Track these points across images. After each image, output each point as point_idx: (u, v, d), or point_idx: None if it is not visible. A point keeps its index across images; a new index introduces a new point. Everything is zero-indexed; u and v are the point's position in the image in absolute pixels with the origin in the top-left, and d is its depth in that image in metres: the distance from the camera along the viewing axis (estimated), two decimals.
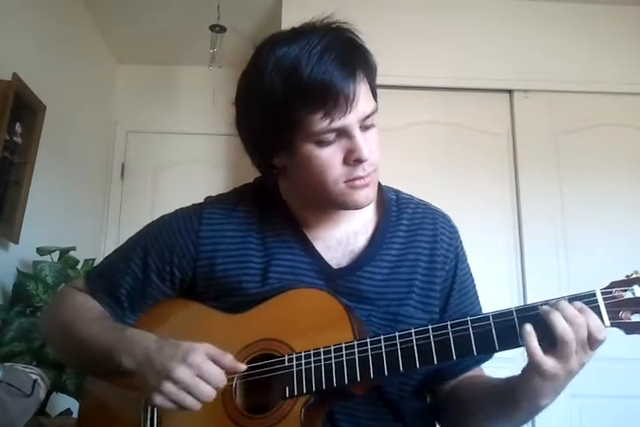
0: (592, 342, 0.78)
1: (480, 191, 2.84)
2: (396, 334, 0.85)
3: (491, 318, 0.82)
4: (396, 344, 0.84)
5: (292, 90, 0.87)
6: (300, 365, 0.88)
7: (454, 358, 0.82)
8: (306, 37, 0.88)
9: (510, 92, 2.97)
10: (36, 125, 2.46)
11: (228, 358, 0.88)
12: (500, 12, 3.04)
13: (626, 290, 0.77)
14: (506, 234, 2.82)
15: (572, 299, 0.79)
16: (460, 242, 1.08)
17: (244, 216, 1.03)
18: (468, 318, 0.82)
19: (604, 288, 0.79)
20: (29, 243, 2.41)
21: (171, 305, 1.04)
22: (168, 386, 0.83)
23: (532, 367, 0.80)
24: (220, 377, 0.86)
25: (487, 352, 0.84)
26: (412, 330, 0.85)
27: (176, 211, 1.06)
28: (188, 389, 0.84)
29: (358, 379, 0.85)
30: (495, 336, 0.81)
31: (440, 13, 3.01)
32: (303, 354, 0.89)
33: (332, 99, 0.86)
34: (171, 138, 3.64)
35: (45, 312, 1.16)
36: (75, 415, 2.15)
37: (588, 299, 0.78)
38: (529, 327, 0.79)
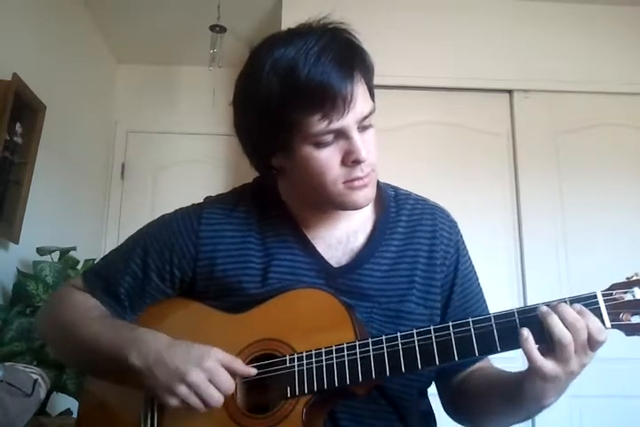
0: (592, 344, 0.78)
1: (480, 191, 2.84)
2: (398, 334, 0.85)
3: (492, 319, 0.82)
4: (397, 345, 0.84)
5: (289, 91, 0.87)
6: (302, 365, 0.88)
7: (456, 358, 0.82)
8: (303, 38, 0.88)
9: (510, 92, 2.97)
10: (36, 125, 2.46)
11: (238, 364, 0.89)
12: (500, 12, 3.04)
13: (626, 292, 0.78)
14: (506, 234, 2.82)
15: (572, 301, 0.79)
16: (461, 236, 1.08)
17: (244, 216, 1.03)
18: (470, 319, 0.82)
19: (605, 290, 0.79)
20: (29, 243, 2.41)
21: (171, 304, 1.04)
22: (181, 388, 0.85)
23: (533, 371, 0.80)
24: (230, 384, 0.87)
25: (489, 353, 0.84)
26: (414, 331, 0.85)
27: (176, 211, 1.07)
28: (199, 392, 0.85)
29: (360, 379, 0.85)
30: (497, 337, 0.81)
31: (439, 13, 3.01)
32: (305, 354, 0.89)
33: (329, 100, 0.86)
34: (171, 138, 3.64)
35: (42, 311, 1.15)
36: (75, 415, 2.15)
37: (589, 301, 0.79)
38: (526, 332, 0.79)
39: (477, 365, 1.02)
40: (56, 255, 2.43)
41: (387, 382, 0.94)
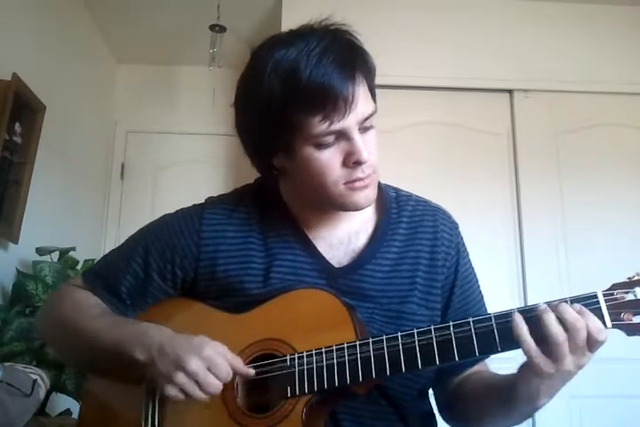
0: (592, 344, 0.78)
1: (480, 191, 2.84)
2: (399, 334, 0.85)
3: (493, 318, 0.82)
4: (398, 344, 0.84)
5: (290, 93, 0.87)
6: (302, 364, 0.88)
7: (456, 358, 0.82)
8: (304, 40, 0.89)
9: (510, 91, 2.97)
10: (35, 125, 2.46)
11: (238, 362, 0.90)
12: (500, 12, 3.04)
13: (627, 292, 0.78)
14: (506, 234, 2.82)
15: (573, 300, 0.79)
16: (461, 238, 1.08)
17: (245, 217, 1.03)
18: (470, 319, 0.82)
19: (606, 290, 0.79)
20: (29, 243, 2.41)
21: (172, 304, 1.04)
22: (180, 376, 0.85)
23: (528, 365, 0.81)
24: (227, 372, 0.88)
25: (489, 353, 0.84)
26: (415, 330, 0.85)
27: (177, 211, 1.07)
28: (198, 380, 0.86)
29: (360, 379, 0.85)
30: (497, 337, 0.81)
31: (439, 13, 3.01)
32: (305, 354, 0.89)
33: (330, 101, 0.86)
34: (171, 138, 3.64)
35: (42, 310, 1.15)
36: (74, 415, 2.15)
37: (590, 300, 0.79)
38: (518, 318, 0.80)
39: (474, 368, 1.03)
40: (55, 255, 2.43)
41: (387, 383, 0.94)
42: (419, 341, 0.84)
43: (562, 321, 0.78)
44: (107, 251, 1.11)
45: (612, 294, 0.78)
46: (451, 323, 0.83)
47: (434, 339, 0.83)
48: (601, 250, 2.73)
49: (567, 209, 2.83)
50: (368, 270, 0.98)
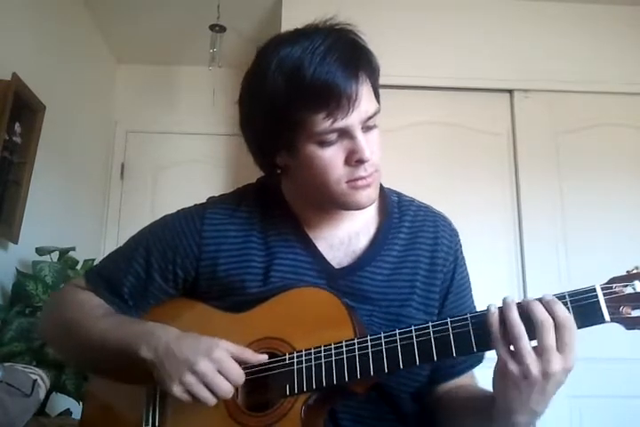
0: (561, 335, 0.76)
1: (480, 191, 2.83)
2: (397, 331, 0.85)
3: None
4: (396, 341, 0.84)
5: (294, 90, 0.87)
6: (301, 363, 0.88)
7: (454, 354, 0.82)
8: (309, 38, 0.89)
9: (510, 91, 2.97)
10: (35, 125, 2.46)
11: (248, 353, 0.90)
12: (500, 12, 3.04)
13: (626, 285, 0.77)
14: (506, 234, 2.82)
15: (572, 295, 0.79)
16: (460, 246, 1.09)
17: (246, 216, 1.03)
18: (468, 315, 0.82)
19: (604, 283, 0.79)
20: (29, 243, 2.41)
21: (173, 305, 1.04)
22: (189, 377, 0.85)
23: (498, 370, 0.79)
24: (239, 375, 0.87)
25: (487, 349, 0.84)
26: (412, 327, 0.85)
27: (178, 211, 1.07)
28: (207, 382, 0.86)
29: (358, 376, 0.85)
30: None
31: (439, 13, 3.01)
32: (304, 352, 0.89)
33: (334, 99, 0.86)
34: (171, 138, 3.64)
35: (45, 311, 1.15)
36: (74, 416, 2.15)
37: (588, 294, 0.78)
38: (493, 308, 0.80)
39: (458, 380, 1.02)
40: (55, 255, 2.43)
41: (386, 383, 0.94)
42: (416, 337, 0.84)
43: (527, 314, 0.78)
44: (107, 251, 1.12)
45: (611, 288, 0.77)
46: (449, 319, 0.83)
47: (431, 335, 0.83)
48: (601, 250, 2.72)
49: (567, 209, 2.82)
50: (368, 272, 0.99)
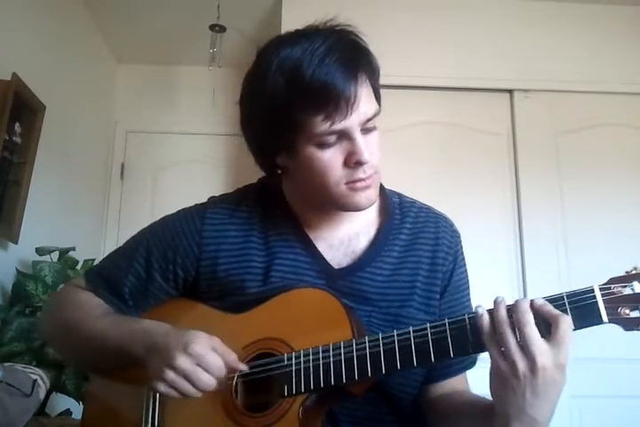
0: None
1: (480, 191, 2.83)
2: (395, 332, 0.85)
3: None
4: (394, 342, 0.84)
5: (294, 91, 0.87)
6: (299, 363, 0.88)
7: (452, 355, 0.82)
8: (309, 39, 0.89)
9: (510, 91, 2.97)
10: (35, 125, 2.46)
11: (232, 357, 0.89)
12: (500, 12, 3.04)
13: (625, 286, 0.77)
14: (506, 234, 2.82)
15: (570, 295, 0.79)
16: (461, 247, 1.08)
17: (247, 216, 1.03)
18: (466, 316, 0.82)
19: (603, 284, 0.78)
20: (29, 243, 2.41)
21: (173, 305, 1.04)
22: (169, 373, 0.85)
23: (490, 371, 0.79)
24: (219, 367, 0.87)
25: (482, 351, 0.83)
26: (410, 328, 0.85)
27: (178, 211, 1.07)
28: (187, 377, 0.85)
29: (356, 377, 0.85)
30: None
31: (439, 13, 3.01)
32: (302, 353, 0.89)
33: (332, 101, 0.86)
34: (171, 138, 3.64)
35: (45, 311, 1.16)
36: (74, 416, 2.15)
37: (586, 295, 0.78)
38: (481, 310, 0.79)
39: (454, 383, 1.02)
40: (55, 255, 2.43)
41: (385, 384, 0.94)
42: (414, 338, 0.84)
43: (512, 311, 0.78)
44: (107, 251, 1.12)
45: (609, 289, 0.77)
46: (446, 320, 0.83)
47: (429, 336, 0.83)
48: (601, 250, 2.72)
49: (567, 209, 2.82)
50: (367, 273, 0.99)
